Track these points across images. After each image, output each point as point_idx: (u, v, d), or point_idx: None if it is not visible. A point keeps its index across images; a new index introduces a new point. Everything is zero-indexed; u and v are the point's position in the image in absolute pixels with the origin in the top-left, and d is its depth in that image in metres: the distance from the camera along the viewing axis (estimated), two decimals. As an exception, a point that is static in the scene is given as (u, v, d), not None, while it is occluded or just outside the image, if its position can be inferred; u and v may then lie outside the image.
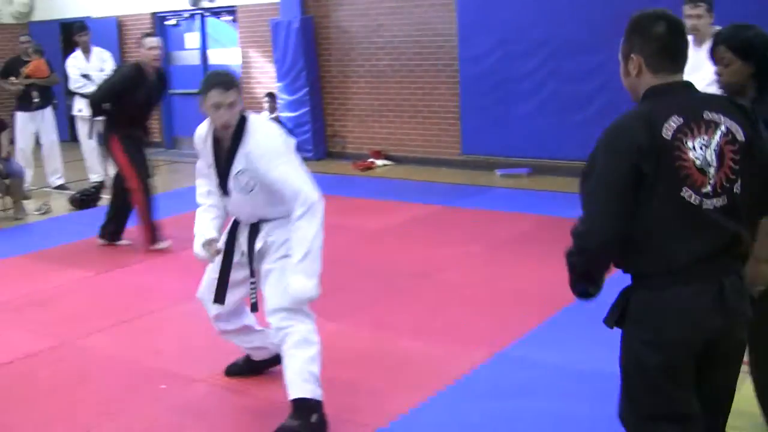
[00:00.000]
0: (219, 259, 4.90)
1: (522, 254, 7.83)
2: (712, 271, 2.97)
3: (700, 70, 7.11)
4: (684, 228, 2.93)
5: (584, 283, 3.09)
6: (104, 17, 16.66)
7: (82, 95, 11.99)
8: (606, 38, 11.14)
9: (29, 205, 10.91)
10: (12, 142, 11.37)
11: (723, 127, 2.99)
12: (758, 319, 3.28)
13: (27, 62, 12.10)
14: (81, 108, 12.04)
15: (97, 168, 12.31)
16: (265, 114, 13.14)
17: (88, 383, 5.46)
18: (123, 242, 8.96)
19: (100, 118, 8.95)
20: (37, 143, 12.44)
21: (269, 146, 4.65)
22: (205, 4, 15.50)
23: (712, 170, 2.93)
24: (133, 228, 8.90)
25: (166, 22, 16.43)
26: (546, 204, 9.74)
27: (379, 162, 13.50)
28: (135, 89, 8.42)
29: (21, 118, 12.20)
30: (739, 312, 3.03)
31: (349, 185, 11.52)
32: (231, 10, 15.24)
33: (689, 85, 3.10)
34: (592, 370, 5.10)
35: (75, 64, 12.00)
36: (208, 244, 4.83)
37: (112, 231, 8.94)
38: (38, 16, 18.07)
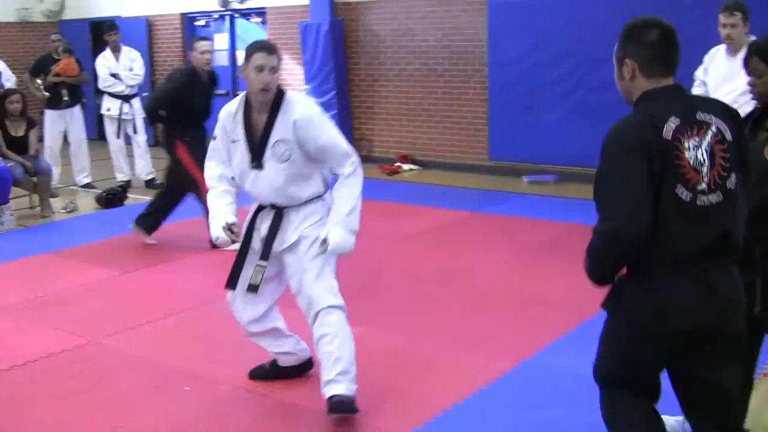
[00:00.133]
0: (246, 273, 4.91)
1: (549, 261, 7.77)
2: (702, 264, 3.11)
3: (734, 81, 7.06)
4: (677, 223, 3.07)
5: (609, 273, 3.25)
6: (134, 17, 16.73)
7: (111, 94, 12.05)
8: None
9: (56, 203, 10.96)
10: (40, 140, 11.42)
11: (714, 128, 3.16)
12: None
13: (57, 60, 12.15)
14: (109, 107, 12.10)
15: (124, 167, 12.36)
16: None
17: (112, 383, 5.44)
18: (150, 240, 8.95)
19: (158, 123, 8.93)
20: (65, 141, 12.49)
21: (315, 114, 4.83)
22: (235, 6, 15.52)
23: (704, 169, 3.09)
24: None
25: (196, 23, 16.47)
26: (573, 211, 9.67)
27: (406, 166, 13.48)
28: (191, 94, 8.41)
29: (50, 116, 12.25)
30: (730, 303, 3.18)
31: (375, 189, 11.43)
32: (261, 12, 15.25)
33: (681, 88, 3.27)
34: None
35: (104, 63, 12.06)
36: (229, 228, 4.87)
37: (149, 224, 8.94)
38: (68, 14, 18.16)
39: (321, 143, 4.72)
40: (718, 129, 3.16)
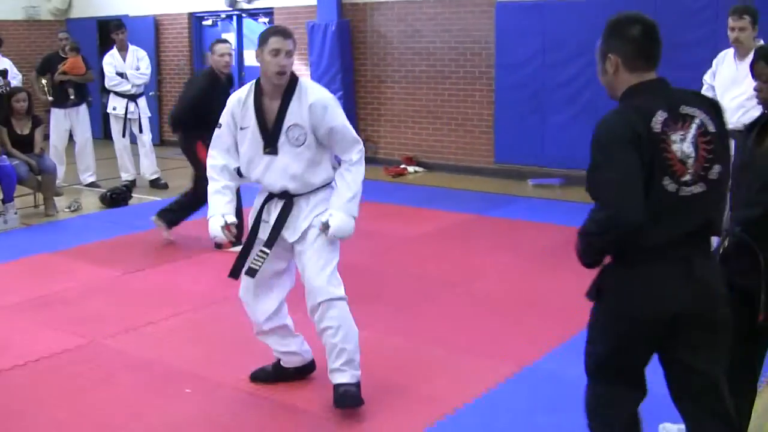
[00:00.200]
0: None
1: (553, 266, 7.73)
2: (683, 251, 3.19)
3: (741, 84, 7.03)
4: (661, 212, 3.13)
5: (600, 257, 3.33)
6: (142, 16, 16.72)
7: (117, 93, 12.03)
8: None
9: (60, 201, 10.94)
10: (46, 138, 11.42)
11: (698, 120, 3.22)
12: None
13: (64, 59, 12.15)
14: (115, 106, 12.08)
15: (129, 167, 12.34)
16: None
17: (113, 384, 5.42)
18: (168, 235, 8.91)
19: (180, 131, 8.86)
20: (71, 140, 12.48)
21: (330, 98, 4.92)
22: (243, 5, 15.51)
23: (690, 161, 3.16)
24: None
25: (204, 23, 16.47)
26: (578, 215, 9.46)
27: (411, 168, 13.47)
28: (211, 96, 8.38)
29: (56, 114, 12.25)
30: (710, 289, 3.23)
31: (380, 191, 11.44)
32: (268, 12, 15.24)
33: (666, 82, 3.32)
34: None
35: (111, 62, 12.06)
36: (227, 227, 4.94)
37: (171, 219, 8.91)
38: (76, 13, 18.16)
39: (334, 127, 4.81)
40: (702, 122, 3.22)
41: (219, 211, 4.96)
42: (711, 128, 3.24)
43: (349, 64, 13.95)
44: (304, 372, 5.35)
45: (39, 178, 10.51)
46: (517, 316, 6.58)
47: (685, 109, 3.22)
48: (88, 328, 6.38)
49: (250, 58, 15.59)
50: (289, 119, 4.77)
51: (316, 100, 4.79)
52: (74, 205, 10.85)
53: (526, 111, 12.20)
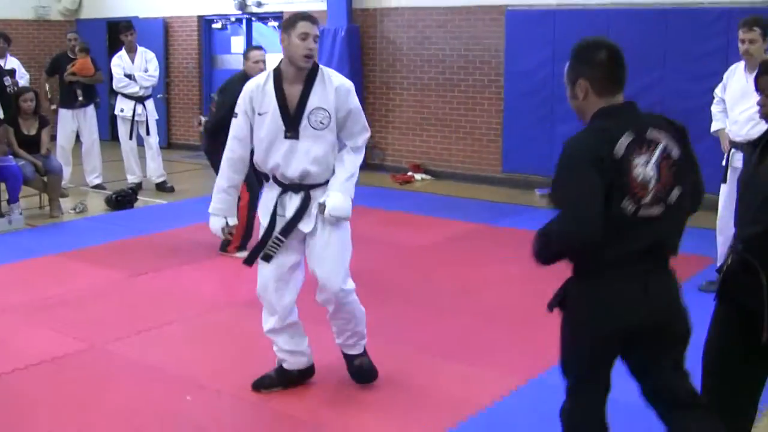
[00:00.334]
0: (276, 260, 5.03)
1: (560, 278, 7.63)
2: (639, 268, 3.36)
3: (751, 98, 6.92)
4: (619, 231, 3.29)
5: (553, 261, 3.56)
6: (151, 18, 16.71)
7: (125, 95, 12.00)
8: (655, 59, 11.09)
9: (66, 203, 10.92)
10: (53, 138, 11.39)
11: (662, 145, 3.36)
12: None
13: (73, 59, 12.13)
14: (123, 108, 12.05)
15: (135, 169, 12.30)
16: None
17: (113, 390, 5.37)
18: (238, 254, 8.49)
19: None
20: (78, 141, 12.44)
21: (350, 84, 5.07)
22: (252, 9, 15.48)
23: (651, 183, 3.30)
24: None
25: (213, 26, 16.45)
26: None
27: (418, 176, 13.41)
28: None
29: (63, 115, 12.23)
30: (666, 304, 3.45)
31: (386, 198, 11.40)
32: (278, 16, 15.21)
33: (634, 105, 3.49)
34: (628, 401, 4.94)
35: (119, 63, 12.04)
36: (227, 228, 5.23)
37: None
38: (86, 14, 18.16)
39: (352, 109, 5.01)
40: (667, 146, 3.37)
41: (222, 212, 5.18)
42: (675, 153, 3.39)
43: (358, 70, 13.90)
44: (306, 375, 5.34)
45: (45, 179, 10.48)
46: (522, 327, 6.51)
47: (651, 134, 3.36)
48: (90, 332, 6.34)
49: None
50: (312, 102, 4.89)
51: (340, 83, 4.97)
52: (79, 206, 10.81)
53: (535, 120, 12.15)
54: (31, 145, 10.50)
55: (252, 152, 5.13)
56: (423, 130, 13.69)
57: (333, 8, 13.88)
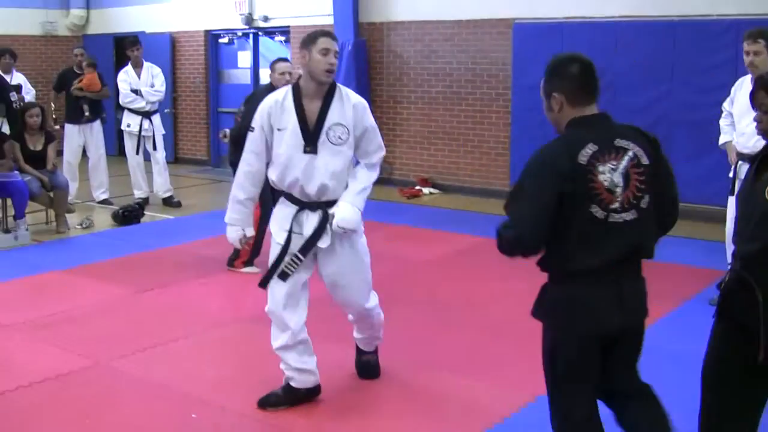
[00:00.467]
0: (291, 278, 5.06)
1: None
2: (613, 275, 3.53)
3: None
4: (592, 237, 3.47)
5: (511, 257, 3.74)
6: (158, 33, 16.71)
7: (131, 110, 11.99)
8: (663, 72, 11.04)
9: (72, 218, 10.87)
10: (59, 154, 11.37)
11: (631, 153, 3.52)
12: None
13: (79, 74, 12.11)
14: (129, 123, 12.03)
15: (142, 184, 12.27)
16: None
17: (118, 408, 5.32)
18: (251, 269, 8.50)
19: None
20: (84, 156, 12.42)
21: (365, 102, 5.20)
22: (259, 24, 15.48)
23: (619, 190, 3.46)
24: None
25: (220, 40, 16.44)
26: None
27: (426, 190, 13.36)
28: None
29: (69, 130, 12.21)
30: (637, 309, 3.66)
31: (394, 212, 11.36)
32: (284, 31, 15.20)
33: (606, 116, 3.66)
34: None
35: (125, 78, 12.01)
36: (245, 239, 5.30)
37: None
38: (93, 29, 18.19)
39: (368, 127, 5.14)
40: (635, 154, 3.53)
41: (240, 222, 5.24)
42: (644, 161, 3.54)
43: (365, 84, 13.87)
44: (313, 394, 5.28)
45: (51, 194, 10.45)
46: (530, 343, 6.36)
47: (620, 142, 3.53)
48: (95, 349, 6.29)
49: (266, 76, 15.48)
50: (331, 118, 4.98)
51: (358, 101, 5.10)
52: (86, 222, 10.78)
53: (543, 133, 11.98)
54: (38, 160, 10.46)
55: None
56: (431, 143, 13.66)
57: (340, 22, 13.85)
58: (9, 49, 12.48)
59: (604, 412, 3.82)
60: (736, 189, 7.08)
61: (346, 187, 5.08)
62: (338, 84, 5.10)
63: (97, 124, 12.29)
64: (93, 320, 7.03)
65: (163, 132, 12.45)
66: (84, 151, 12.39)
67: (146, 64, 12.17)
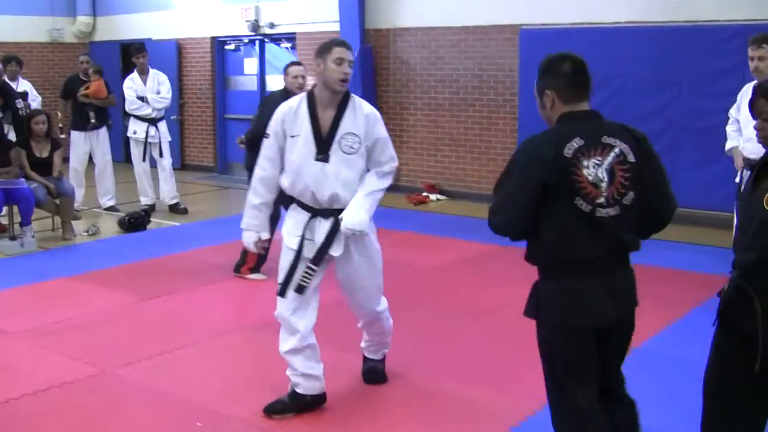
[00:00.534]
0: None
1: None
2: (604, 268, 3.60)
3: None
4: (580, 231, 3.54)
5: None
6: (165, 39, 16.73)
7: (137, 117, 11.98)
8: (670, 78, 11.00)
9: (78, 225, 10.87)
10: (65, 161, 11.36)
11: (617, 150, 3.59)
12: None
13: (85, 81, 12.10)
14: (135, 130, 12.03)
15: (148, 191, 12.26)
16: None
17: (123, 416, 5.29)
18: (257, 276, 8.47)
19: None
20: (91, 163, 12.42)
21: (378, 113, 5.29)
22: (265, 30, 15.47)
23: (603, 185, 3.53)
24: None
25: (226, 47, 16.44)
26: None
27: (433, 196, 13.34)
28: None
29: (75, 137, 12.21)
30: (628, 302, 3.72)
31: (401, 219, 11.34)
32: (291, 37, 15.20)
33: (596, 114, 3.72)
34: (648, 427, 4.85)
35: (131, 86, 12.02)
36: (260, 243, 5.34)
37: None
38: (99, 36, 18.21)
39: (380, 138, 5.18)
40: (621, 151, 3.60)
41: (255, 227, 5.30)
42: (630, 158, 3.61)
43: (372, 91, 13.85)
44: (319, 401, 5.26)
45: (57, 201, 10.44)
46: (538, 351, 6.41)
47: (607, 139, 3.60)
48: (101, 357, 6.27)
49: (272, 83, 15.53)
50: (344, 127, 5.05)
51: (370, 111, 5.18)
52: (92, 229, 10.77)
53: (550, 140, 12.05)
54: (44, 167, 10.45)
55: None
56: (437, 150, 13.64)
57: (346, 29, 13.84)
58: (15, 56, 12.49)
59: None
60: (741, 195, 7.06)
61: None
62: (352, 94, 5.16)
63: (104, 131, 12.29)
64: (98, 328, 7.01)
65: (170, 139, 12.44)
66: (90, 158, 12.38)
67: (152, 71, 12.17)
